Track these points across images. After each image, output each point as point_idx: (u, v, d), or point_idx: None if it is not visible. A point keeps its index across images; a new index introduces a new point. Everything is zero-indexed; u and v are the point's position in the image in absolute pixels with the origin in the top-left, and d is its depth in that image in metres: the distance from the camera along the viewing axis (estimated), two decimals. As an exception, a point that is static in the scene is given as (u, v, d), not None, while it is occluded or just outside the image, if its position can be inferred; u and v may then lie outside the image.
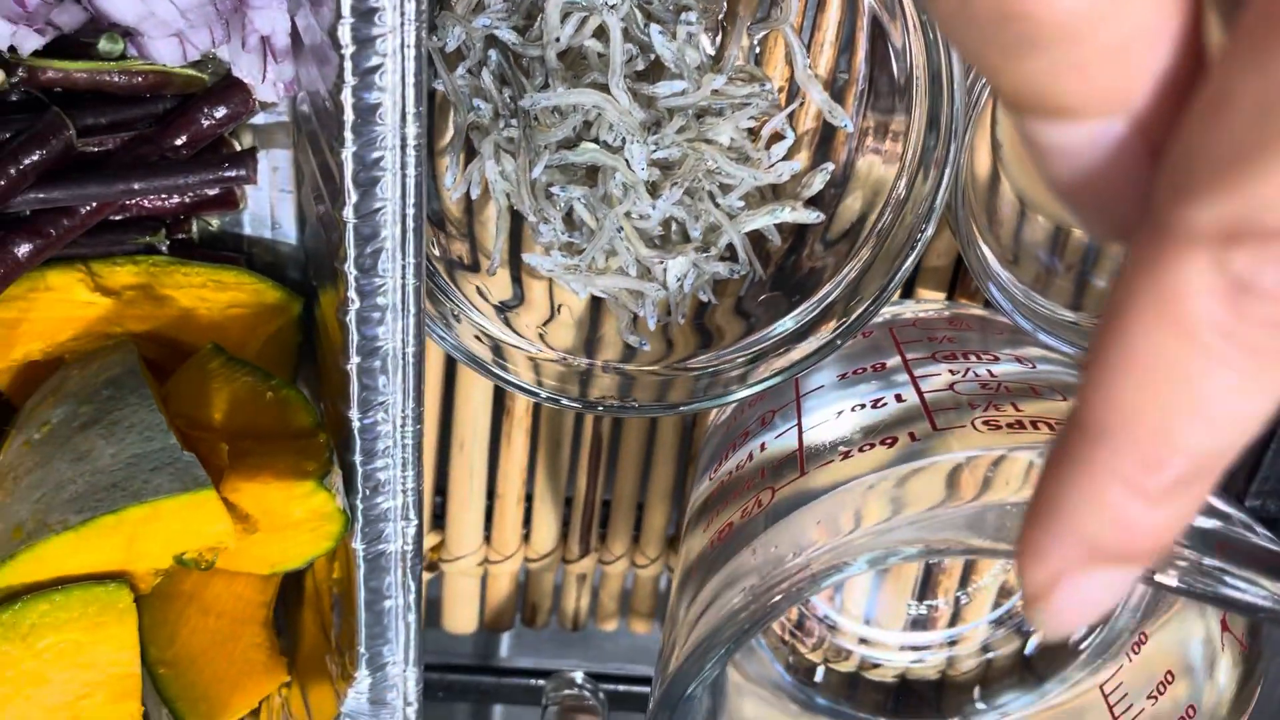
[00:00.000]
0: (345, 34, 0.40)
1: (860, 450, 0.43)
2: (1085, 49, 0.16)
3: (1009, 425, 0.43)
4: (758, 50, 0.54)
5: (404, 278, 0.45)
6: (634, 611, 0.74)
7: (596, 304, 0.58)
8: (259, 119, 0.56)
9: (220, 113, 0.54)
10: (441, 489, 0.69)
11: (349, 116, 0.41)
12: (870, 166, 0.54)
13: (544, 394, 0.54)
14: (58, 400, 0.49)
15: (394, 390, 0.48)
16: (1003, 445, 0.42)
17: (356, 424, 0.48)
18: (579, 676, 0.68)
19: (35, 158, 0.50)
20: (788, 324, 0.55)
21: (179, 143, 0.53)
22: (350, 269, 0.45)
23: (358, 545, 0.52)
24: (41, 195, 0.51)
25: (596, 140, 0.50)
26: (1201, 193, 0.15)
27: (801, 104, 0.54)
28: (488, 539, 0.70)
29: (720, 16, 0.52)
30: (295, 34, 0.51)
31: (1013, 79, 0.17)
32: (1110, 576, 0.18)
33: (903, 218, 0.51)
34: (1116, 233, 0.18)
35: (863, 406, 0.47)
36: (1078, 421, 0.18)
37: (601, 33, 0.48)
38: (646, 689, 0.75)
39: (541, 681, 0.74)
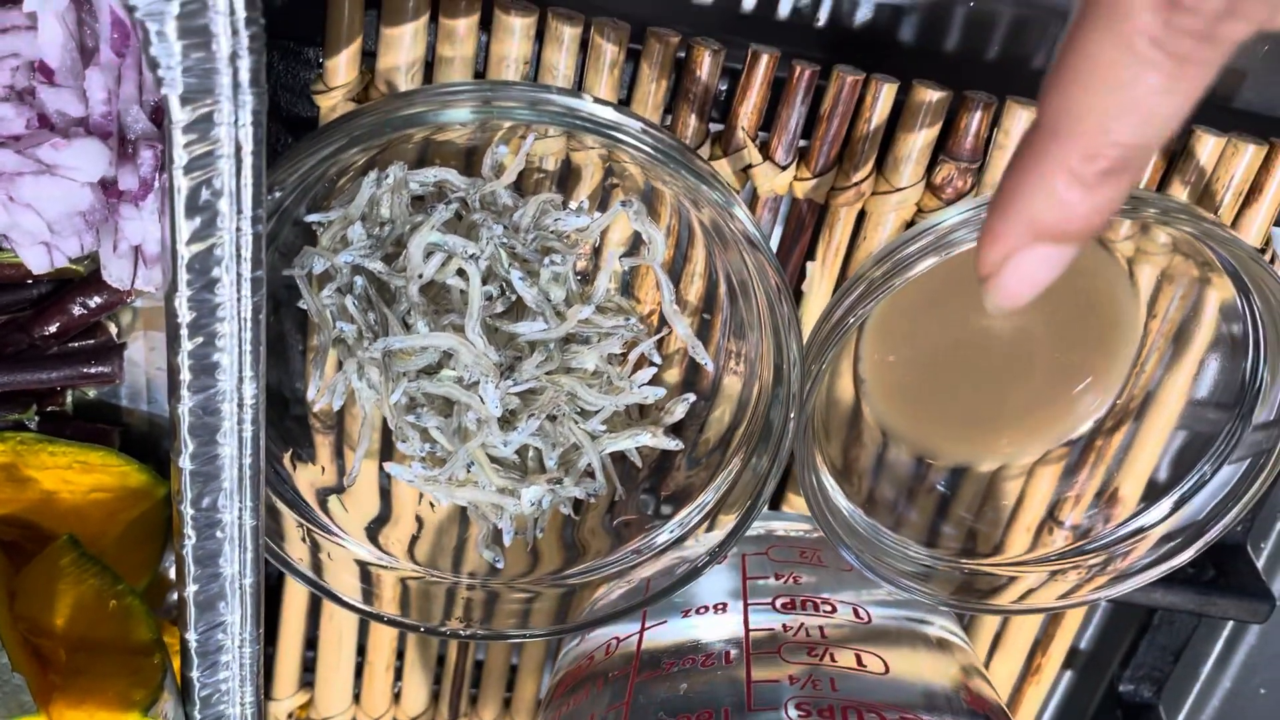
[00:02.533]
0: (182, 304, 0.40)
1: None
2: None
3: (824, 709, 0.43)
4: (627, 275, 0.54)
5: (241, 518, 0.46)
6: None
7: (464, 515, 0.58)
8: (139, 301, 0.57)
9: (95, 301, 0.54)
10: (313, 643, 0.69)
11: (185, 377, 0.42)
12: (733, 386, 0.55)
13: (407, 619, 0.54)
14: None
15: (232, 613, 0.48)
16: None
17: (194, 644, 0.49)
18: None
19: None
20: (659, 537, 0.56)
21: (51, 330, 0.54)
22: (187, 509, 0.45)
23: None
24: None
25: (455, 371, 0.50)
26: None
27: (669, 332, 0.55)
28: (357, 699, 0.70)
29: (594, 245, 0.53)
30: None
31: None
32: (1049, 252, 0.23)
33: (766, 436, 0.52)
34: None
35: (692, 660, 0.48)
36: (1037, 123, 0.22)
37: (464, 272, 0.49)
38: None
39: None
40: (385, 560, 0.55)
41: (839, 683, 0.45)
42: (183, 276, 0.40)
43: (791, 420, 0.47)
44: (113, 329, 0.56)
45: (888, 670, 0.47)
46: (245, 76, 0.36)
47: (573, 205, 0.51)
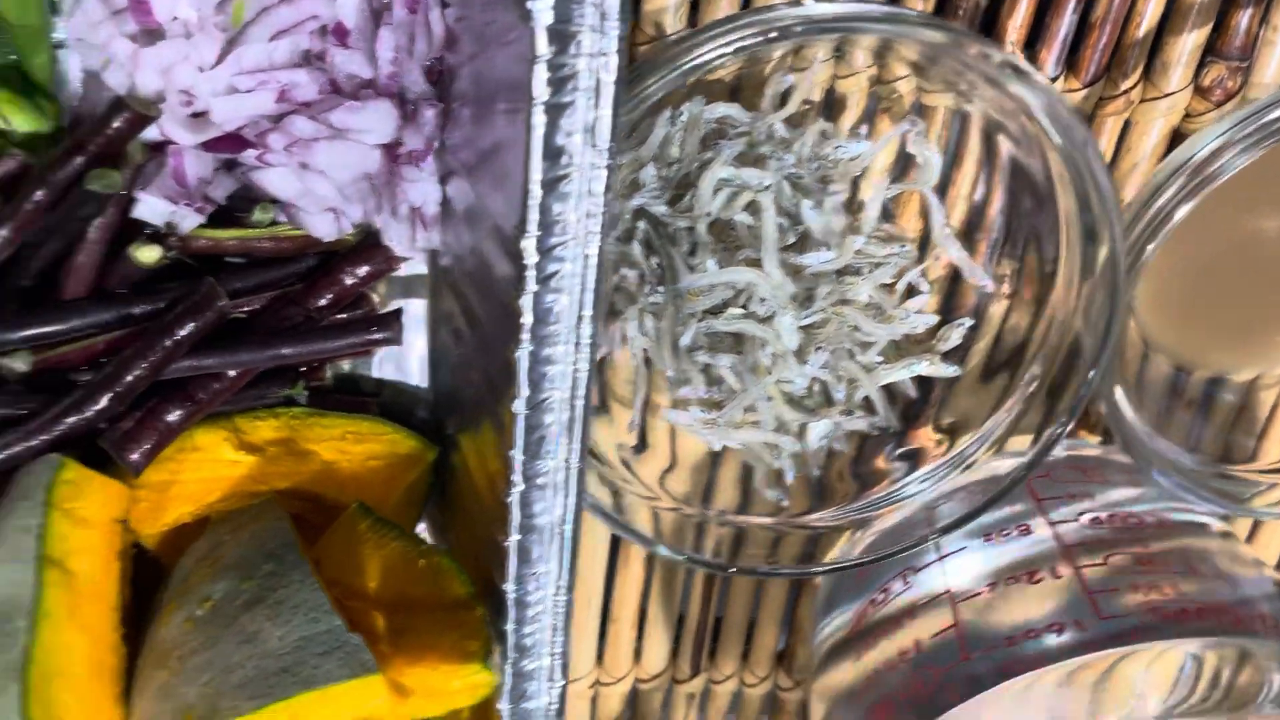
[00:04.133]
0: (530, 247, 0.40)
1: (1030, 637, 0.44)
2: None
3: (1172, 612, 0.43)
4: (887, 202, 0.54)
5: (567, 462, 0.46)
6: (739, 726, 0.75)
7: (714, 453, 0.58)
8: (402, 270, 0.57)
9: (363, 271, 0.54)
10: (554, 609, 0.69)
11: (527, 320, 0.42)
12: (998, 310, 0.55)
13: (663, 548, 0.54)
14: (216, 574, 0.50)
15: (550, 563, 0.48)
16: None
17: (512, 595, 0.49)
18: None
19: (191, 329, 0.51)
20: (921, 476, 0.55)
21: (323, 303, 0.54)
22: (517, 455, 0.45)
23: (504, 705, 0.52)
24: (194, 362, 0.52)
25: (744, 308, 0.50)
26: None
27: (936, 258, 0.54)
28: (600, 661, 0.70)
29: (858, 176, 0.53)
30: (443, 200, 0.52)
31: None
32: None
33: (1056, 356, 0.51)
34: None
35: (1015, 580, 0.47)
36: None
37: (751, 207, 0.49)
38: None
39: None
40: (646, 493, 0.56)
41: (1169, 586, 0.45)
42: (532, 217, 0.40)
43: (1114, 325, 0.46)
44: (375, 299, 0.57)
45: (1199, 571, 0.47)
46: (612, 5, 0.36)
47: (844, 133, 0.51)
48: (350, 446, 0.56)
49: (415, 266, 0.57)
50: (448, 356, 0.59)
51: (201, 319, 0.51)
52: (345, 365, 0.60)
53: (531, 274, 0.41)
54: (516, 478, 0.46)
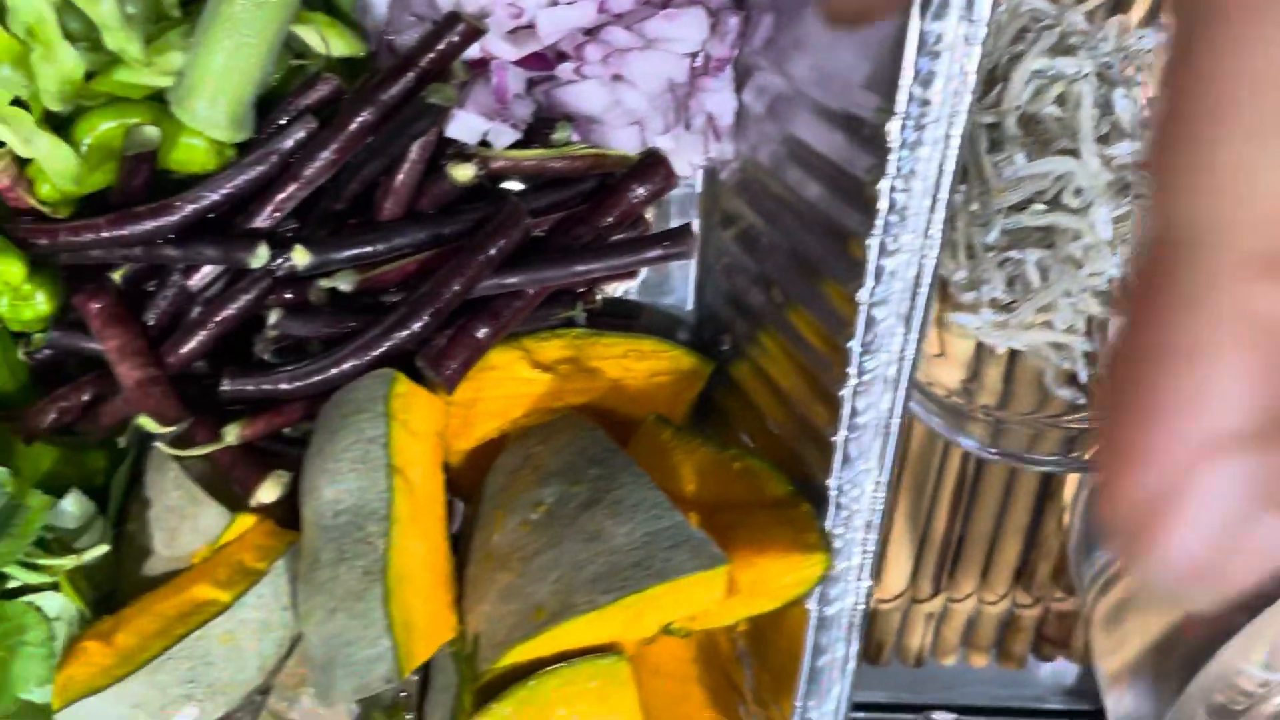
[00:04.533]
0: (894, 130, 0.41)
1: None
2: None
3: None
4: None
5: (902, 353, 0.46)
6: (973, 645, 0.75)
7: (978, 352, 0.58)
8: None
9: (645, 189, 0.55)
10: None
11: (883, 206, 0.43)
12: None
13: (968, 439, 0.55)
14: (540, 481, 0.51)
15: (873, 459, 0.49)
16: None
17: (834, 492, 0.50)
18: (948, 715, 0.69)
19: (500, 246, 0.52)
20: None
21: (609, 221, 0.55)
22: (855, 347, 0.46)
23: (811, 605, 0.53)
24: (499, 281, 0.53)
25: (1048, 203, 0.51)
26: None
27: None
28: (843, 581, 0.71)
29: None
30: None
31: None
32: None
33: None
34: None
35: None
36: None
37: (1060, 98, 0.49)
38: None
39: (881, 716, 0.75)
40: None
41: None
42: (901, 99, 0.41)
43: None
44: (648, 218, 0.58)
45: None
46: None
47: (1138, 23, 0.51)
48: (634, 364, 0.57)
49: (684, 186, 0.58)
50: (716, 273, 0.60)
51: (509, 237, 0.52)
52: (610, 289, 0.61)
53: (894, 159, 0.42)
54: (852, 370, 0.47)
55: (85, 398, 0.57)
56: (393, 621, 0.47)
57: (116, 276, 0.53)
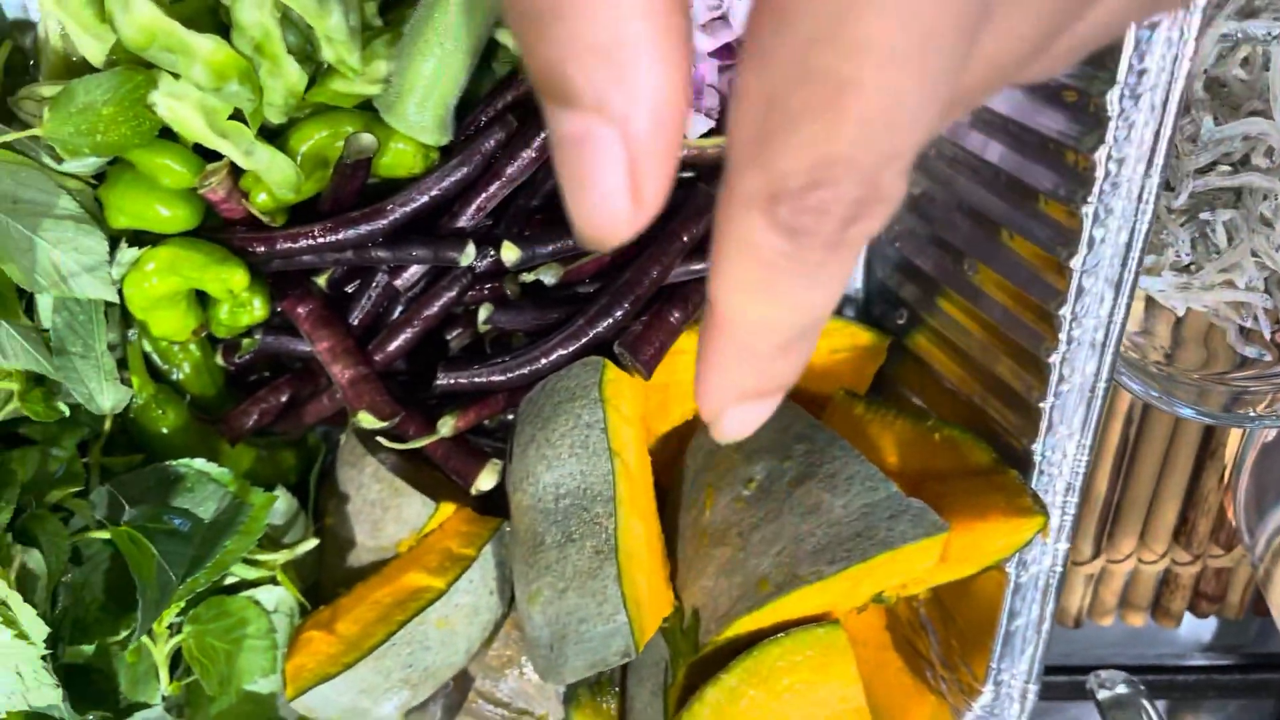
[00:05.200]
0: (1114, 100, 0.42)
1: None
2: (578, 39, 0.19)
3: None
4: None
5: (1111, 318, 0.47)
6: (1130, 605, 0.76)
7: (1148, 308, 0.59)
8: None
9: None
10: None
11: (1099, 174, 0.44)
12: None
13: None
14: (747, 459, 0.52)
15: (1076, 423, 0.50)
16: None
17: (1039, 457, 0.51)
18: (1119, 674, 0.70)
19: (693, 233, 0.53)
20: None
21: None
22: (1066, 314, 0.47)
23: (1010, 568, 0.54)
24: (689, 267, 0.54)
25: (1233, 166, 0.51)
26: (746, 167, 0.19)
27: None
28: (1005, 547, 0.72)
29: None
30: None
31: (533, 59, 0.20)
32: (758, 404, 0.24)
33: None
34: (601, 236, 0.21)
35: None
36: (710, 312, 0.22)
37: (1245, 62, 0.50)
38: (1153, 678, 0.77)
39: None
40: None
41: None
42: (1122, 67, 0.42)
43: None
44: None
45: None
46: None
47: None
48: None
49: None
50: (885, 248, 0.61)
51: (699, 224, 0.53)
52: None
53: (1111, 128, 0.43)
54: (1062, 337, 0.48)
55: (283, 399, 0.60)
56: (626, 598, 0.48)
57: (320, 281, 0.55)
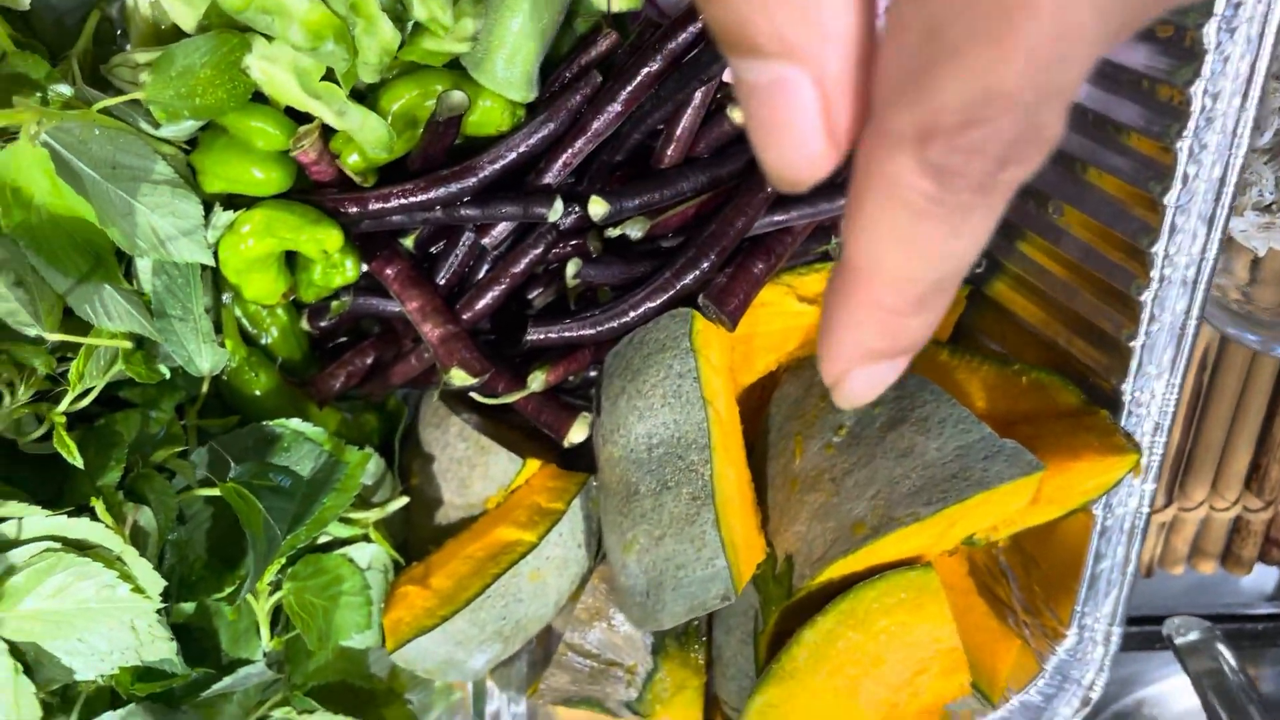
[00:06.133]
0: (1211, 34, 0.42)
1: None
2: None
3: None
4: None
5: (1203, 255, 0.48)
6: (1201, 553, 0.76)
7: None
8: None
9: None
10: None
11: (1195, 109, 0.44)
12: None
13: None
14: (833, 405, 0.53)
15: (1166, 362, 0.50)
16: None
17: (1128, 397, 0.51)
18: (1195, 620, 0.71)
19: (774, 187, 0.54)
20: None
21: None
22: (1159, 251, 0.47)
23: (1097, 510, 0.54)
24: (773, 218, 0.55)
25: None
26: (897, 104, 0.19)
27: None
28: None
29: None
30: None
31: (716, 12, 0.19)
32: (883, 368, 0.23)
33: None
34: (797, 179, 0.21)
35: None
36: (844, 264, 0.22)
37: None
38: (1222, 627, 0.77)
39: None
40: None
41: None
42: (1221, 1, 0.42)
43: None
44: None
45: None
46: None
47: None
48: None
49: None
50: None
51: (783, 174, 0.54)
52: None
53: (1208, 62, 0.43)
54: (1154, 274, 0.48)
55: (368, 361, 0.61)
56: (724, 542, 0.49)
57: (408, 242, 0.56)
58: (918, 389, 0.51)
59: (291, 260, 0.57)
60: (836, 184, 0.56)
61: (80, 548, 0.47)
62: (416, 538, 0.62)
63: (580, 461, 0.60)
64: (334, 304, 0.58)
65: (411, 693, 0.64)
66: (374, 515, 0.58)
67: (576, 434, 0.54)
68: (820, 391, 0.55)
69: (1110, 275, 0.50)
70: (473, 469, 0.60)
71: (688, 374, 0.51)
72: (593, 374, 0.59)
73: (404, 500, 0.59)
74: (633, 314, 0.53)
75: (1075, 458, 0.50)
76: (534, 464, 0.59)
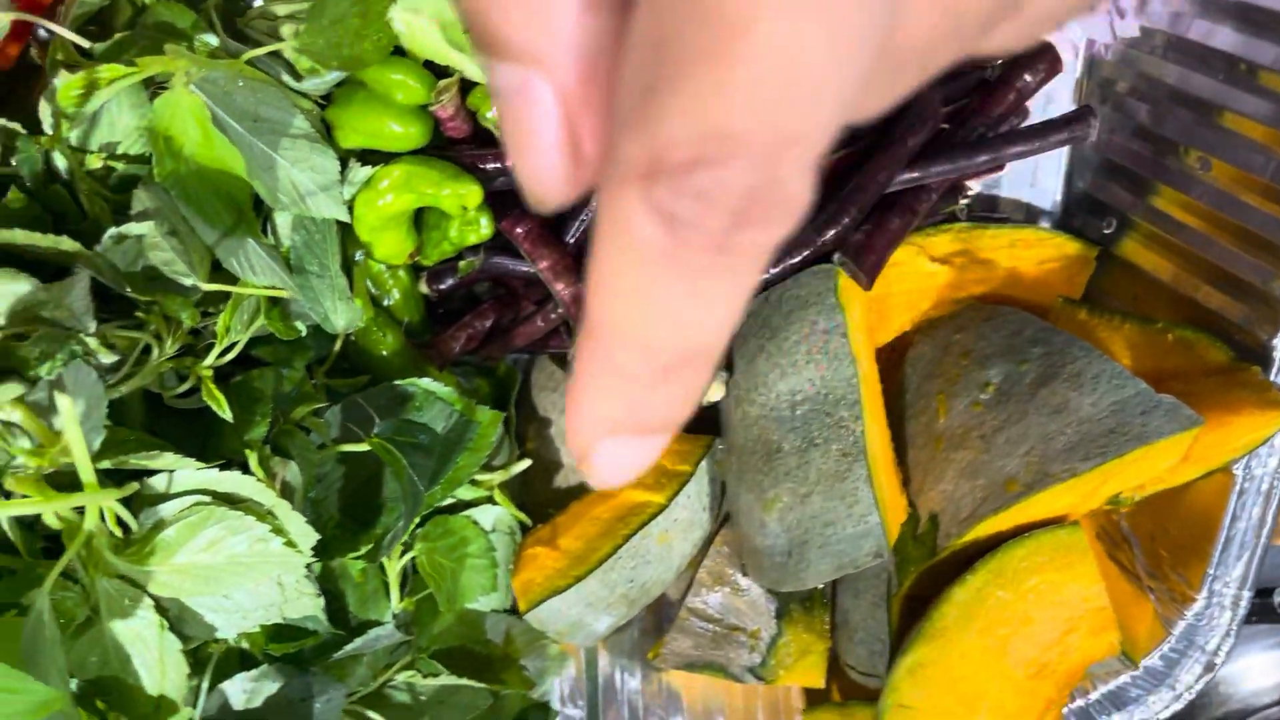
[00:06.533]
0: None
1: None
2: None
3: None
4: None
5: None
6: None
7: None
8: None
9: (1035, 78, 0.56)
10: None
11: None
12: None
13: None
14: (978, 363, 0.52)
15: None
16: None
17: (1278, 351, 0.50)
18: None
19: (917, 141, 0.53)
20: None
21: (1000, 112, 0.56)
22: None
23: (1236, 469, 0.54)
24: (911, 175, 0.54)
25: None
26: (629, 129, 0.16)
27: None
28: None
29: None
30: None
31: (462, 3, 0.17)
32: (635, 444, 0.20)
33: None
34: (544, 195, 0.19)
35: None
36: (584, 325, 0.19)
37: None
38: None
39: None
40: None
41: None
42: None
43: None
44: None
45: None
46: None
47: None
48: (1022, 253, 0.58)
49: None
50: (1089, 157, 0.61)
51: (925, 130, 0.53)
52: (973, 187, 0.62)
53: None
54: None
55: (488, 324, 0.60)
56: (877, 499, 0.49)
57: (537, 199, 0.56)
58: (1066, 345, 0.51)
59: (417, 221, 0.56)
60: (973, 141, 0.55)
61: (230, 502, 0.47)
62: (533, 501, 0.62)
63: (700, 424, 0.60)
64: (462, 263, 0.57)
65: (526, 659, 0.64)
66: (498, 477, 0.58)
67: (715, 393, 0.54)
68: (960, 350, 0.54)
69: (1254, 223, 0.50)
70: (594, 432, 0.59)
71: (834, 330, 0.50)
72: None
73: (526, 462, 0.58)
74: (772, 270, 0.53)
75: (1232, 412, 0.49)
76: (656, 426, 0.59)
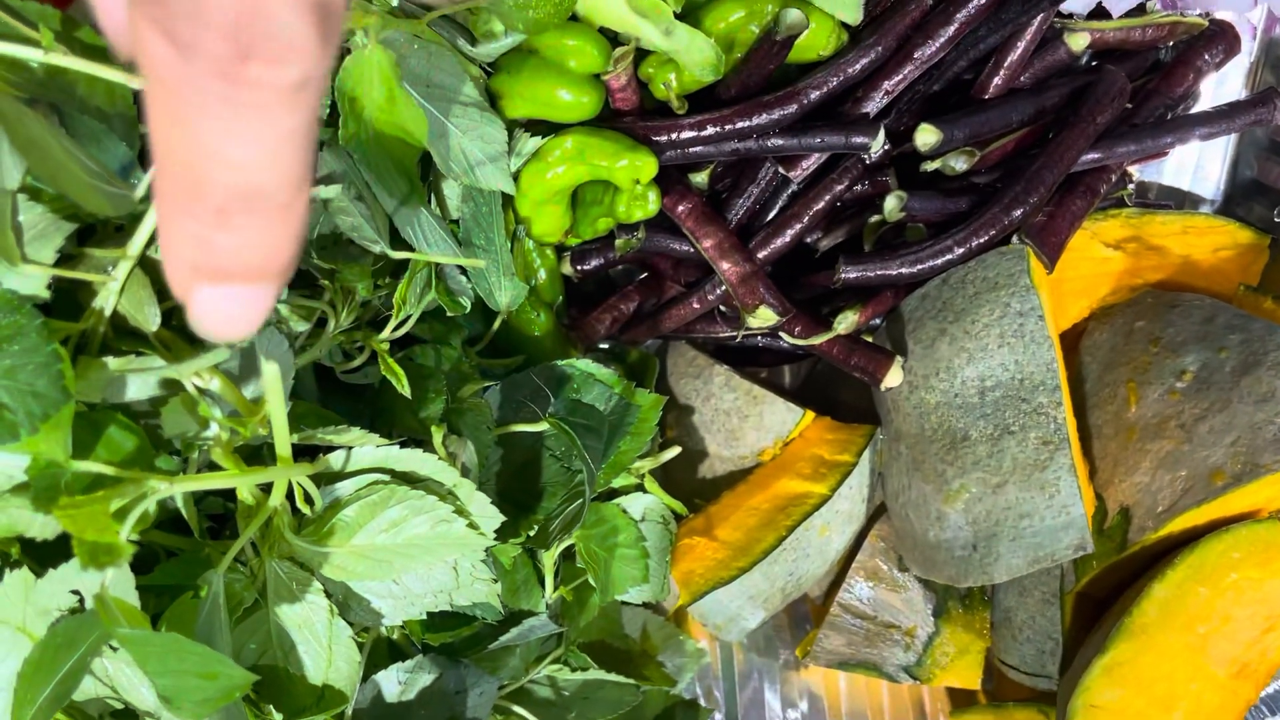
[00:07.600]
0: None
1: None
2: None
3: None
4: None
5: None
6: None
7: None
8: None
9: (1214, 58, 0.54)
10: None
11: None
12: None
13: None
14: (1171, 351, 0.50)
15: None
16: None
17: None
18: None
19: (1104, 117, 0.51)
20: None
21: (1179, 92, 0.54)
22: None
23: None
24: (1095, 155, 0.52)
25: None
26: None
27: None
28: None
29: None
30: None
31: None
32: (231, 294, 0.20)
33: None
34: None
35: None
36: (154, 163, 0.19)
37: None
38: None
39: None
40: None
41: None
42: None
43: None
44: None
45: None
46: None
47: None
48: (1195, 240, 0.56)
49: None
50: (1260, 144, 0.59)
51: (1111, 109, 0.51)
52: (1134, 174, 0.60)
53: None
54: None
55: (632, 306, 0.58)
56: (1080, 489, 0.46)
57: (701, 177, 0.54)
58: (1267, 333, 0.49)
59: (574, 200, 0.54)
60: (1154, 121, 0.54)
61: (409, 481, 0.44)
62: (676, 491, 0.60)
63: (839, 412, 0.58)
64: (619, 241, 0.55)
65: (662, 655, 0.61)
66: (648, 464, 0.56)
67: (893, 378, 0.52)
68: (1146, 337, 0.52)
69: None
70: (744, 419, 0.57)
71: (1030, 312, 0.48)
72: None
73: (676, 450, 0.56)
74: (958, 250, 0.50)
75: None
76: (809, 414, 0.57)
